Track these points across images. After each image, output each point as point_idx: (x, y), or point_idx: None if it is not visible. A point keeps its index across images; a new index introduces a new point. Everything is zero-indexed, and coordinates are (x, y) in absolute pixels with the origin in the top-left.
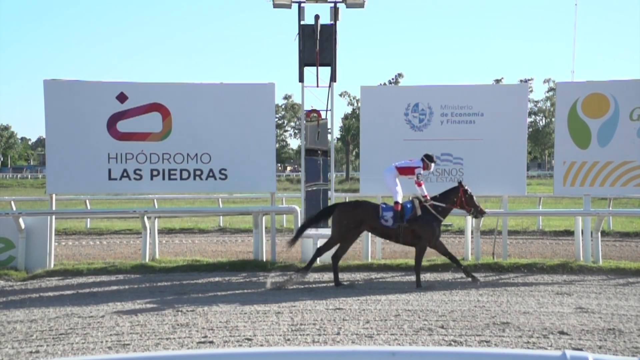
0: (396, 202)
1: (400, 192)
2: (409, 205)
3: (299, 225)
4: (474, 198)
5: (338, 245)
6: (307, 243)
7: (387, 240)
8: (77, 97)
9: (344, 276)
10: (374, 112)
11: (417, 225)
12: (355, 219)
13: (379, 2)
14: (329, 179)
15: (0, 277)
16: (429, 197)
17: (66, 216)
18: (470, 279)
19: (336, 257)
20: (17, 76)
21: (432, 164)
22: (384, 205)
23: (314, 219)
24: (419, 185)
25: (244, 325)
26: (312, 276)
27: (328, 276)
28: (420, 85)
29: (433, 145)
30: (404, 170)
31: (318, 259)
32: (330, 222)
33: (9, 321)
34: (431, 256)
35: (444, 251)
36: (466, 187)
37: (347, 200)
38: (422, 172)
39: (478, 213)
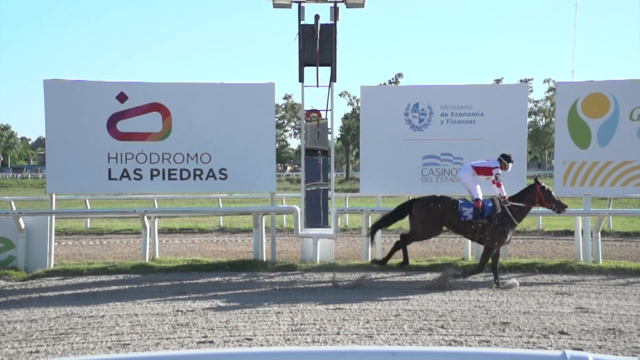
0: (477, 200)
1: (480, 190)
2: (489, 204)
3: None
4: (553, 193)
5: (414, 232)
6: (307, 243)
7: (463, 237)
8: (77, 97)
9: (344, 276)
10: (374, 112)
11: (490, 225)
12: (436, 213)
13: (379, 2)
14: (329, 179)
15: (0, 277)
16: (507, 198)
17: (66, 216)
18: (495, 286)
19: (405, 243)
20: (17, 76)
21: (510, 164)
22: (462, 201)
23: (390, 217)
24: (498, 185)
25: (244, 325)
26: (312, 276)
27: (328, 276)
28: (420, 85)
29: (433, 145)
30: (482, 170)
31: (319, 258)
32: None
33: (9, 321)
34: (431, 256)
35: (496, 258)
36: (543, 184)
37: (424, 196)
38: (500, 172)
39: (560, 208)
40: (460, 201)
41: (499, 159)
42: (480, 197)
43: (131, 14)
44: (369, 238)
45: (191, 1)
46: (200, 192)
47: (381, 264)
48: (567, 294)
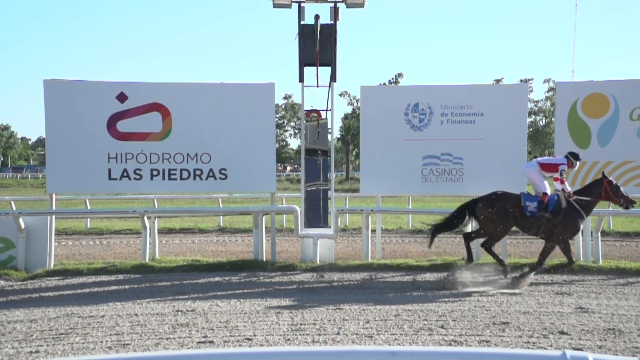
0: (544, 193)
1: (547, 185)
2: (554, 198)
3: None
4: (621, 188)
5: (490, 234)
6: (307, 243)
7: (527, 234)
8: (77, 97)
9: (343, 276)
10: (374, 112)
11: (561, 219)
12: (503, 210)
13: (379, 2)
14: (329, 179)
15: (0, 277)
16: (572, 193)
17: (66, 216)
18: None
19: (489, 247)
20: (17, 76)
21: (577, 162)
22: (525, 195)
23: (452, 219)
24: (562, 182)
25: (244, 325)
26: (312, 276)
27: (328, 276)
28: (420, 85)
29: (433, 145)
30: (547, 167)
31: (317, 258)
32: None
33: (9, 321)
34: (431, 256)
35: (567, 250)
36: (610, 178)
37: (484, 195)
38: (566, 169)
39: (628, 203)
40: (523, 195)
41: (567, 157)
42: (548, 192)
43: (131, 14)
44: (429, 242)
45: (191, 1)
46: (200, 192)
47: (470, 262)
48: (567, 294)
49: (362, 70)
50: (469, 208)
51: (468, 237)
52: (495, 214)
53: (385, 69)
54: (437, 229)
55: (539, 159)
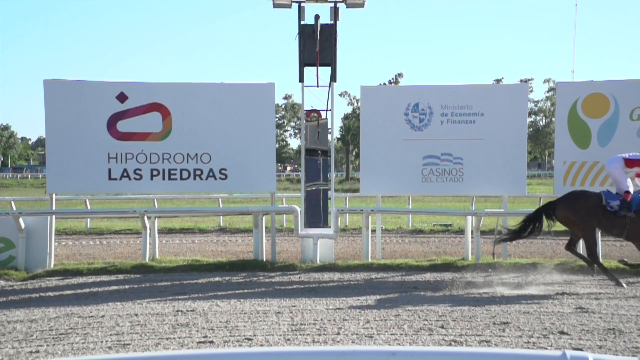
0: (626, 192)
1: (630, 183)
2: (638, 196)
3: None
4: None
5: (585, 240)
6: (307, 243)
7: (610, 236)
8: (77, 97)
9: (343, 276)
10: (374, 112)
11: None
12: (583, 209)
13: (379, 2)
14: (329, 179)
15: (0, 277)
16: None
17: (66, 216)
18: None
19: (594, 256)
20: (17, 76)
21: None
22: (607, 194)
23: (527, 223)
24: None
25: (244, 325)
26: (312, 276)
27: (328, 276)
28: (420, 85)
29: (433, 145)
30: (633, 163)
31: (318, 258)
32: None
33: (9, 321)
34: (431, 256)
35: None
36: None
37: (562, 196)
38: None
39: None
40: (604, 194)
41: None
42: (631, 190)
43: (131, 14)
44: (498, 240)
45: (191, 1)
46: (200, 192)
47: (591, 266)
48: (567, 294)
49: (362, 70)
50: (546, 211)
51: (569, 248)
52: (576, 215)
53: (385, 69)
54: (515, 235)
55: (624, 154)
